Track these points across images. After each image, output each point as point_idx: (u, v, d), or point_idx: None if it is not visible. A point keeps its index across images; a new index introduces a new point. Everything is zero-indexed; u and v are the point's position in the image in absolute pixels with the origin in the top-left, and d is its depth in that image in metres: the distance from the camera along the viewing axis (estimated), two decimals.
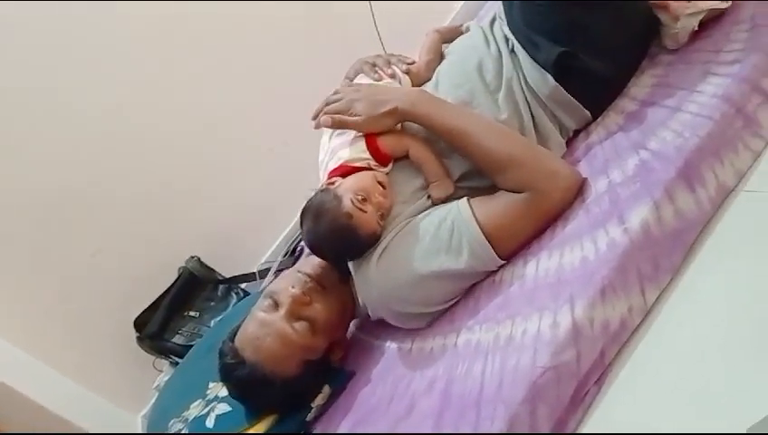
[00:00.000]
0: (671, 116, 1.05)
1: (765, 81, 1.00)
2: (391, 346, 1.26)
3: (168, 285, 2.13)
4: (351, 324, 1.40)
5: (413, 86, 1.34)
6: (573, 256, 0.99)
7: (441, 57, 1.42)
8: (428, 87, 1.31)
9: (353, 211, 1.14)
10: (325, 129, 1.26)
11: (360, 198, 1.15)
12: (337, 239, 1.16)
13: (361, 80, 1.34)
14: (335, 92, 1.26)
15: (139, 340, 2.06)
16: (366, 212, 1.15)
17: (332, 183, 1.19)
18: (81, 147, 2.00)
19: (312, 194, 1.21)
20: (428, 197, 1.19)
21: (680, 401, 0.77)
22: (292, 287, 1.23)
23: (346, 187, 1.17)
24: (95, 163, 2.03)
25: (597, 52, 1.17)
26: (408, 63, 1.37)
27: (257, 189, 2.27)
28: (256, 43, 2.17)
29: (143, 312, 2.09)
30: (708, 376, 0.76)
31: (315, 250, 1.24)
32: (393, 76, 1.34)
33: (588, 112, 1.22)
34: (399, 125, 1.23)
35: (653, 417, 0.78)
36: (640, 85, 1.20)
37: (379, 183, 1.18)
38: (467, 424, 0.89)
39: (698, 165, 0.96)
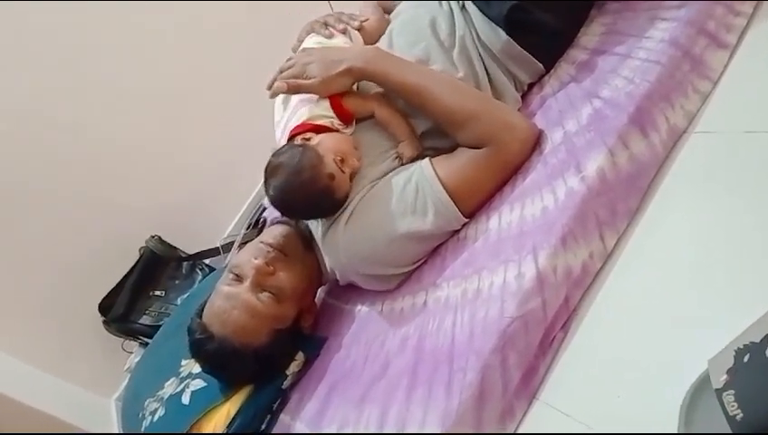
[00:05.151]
0: (621, 63, 1.07)
1: (711, 23, 1.02)
2: (362, 310, 1.27)
3: (130, 266, 2.09)
4: (320, 291, 1.41)
5: (366, 44, 1.33)
6: (534, 207, 1.01)
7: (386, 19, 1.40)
8: (382, 47, 1.29)
9: (336, 172, 1.13)
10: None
11: (339, 159, 1.14)
12: (313, 198, 1.14)
13: (312, 38, 1.31)
14: (288, 59, 1.23)
15: (106, 323, 2.04)
16: (345, 174, 1.15)
17: (308, 139, 1.16)
18: (25, 132, 1.93)
19: (279, 149, 1.18)
20: (395, 158, 1.19)
21: (644, 339, 0.80)
22: (255, 259, 1.21)
23: (326, 146, 1.14)
24: (44, 147, 1.96)
25: (546, 3, 1.18)
26: (362, 21, 1.35)
27: (215, 163, 2.22)
28: (209, 10, 2.11)
29: (107, 295, 2.05)
30: (669, 313, 0.80)
31: (283, 207, 1.20)
32: (345, 32, 1.31)
33: (540, 65, 1.22)
34: (356, 86, 1.22)
35: (619, 358, 0.81)
36: (590, 34, 1.21)
37: (354, 147, 1.18)
38: (442, 377, 0.91)
39: (650, 110, 0.98)
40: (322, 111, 1.18)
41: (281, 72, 1.21)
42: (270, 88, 1.21)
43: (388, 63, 1.18)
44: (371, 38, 1.35)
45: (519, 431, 0.87)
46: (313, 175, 1.12)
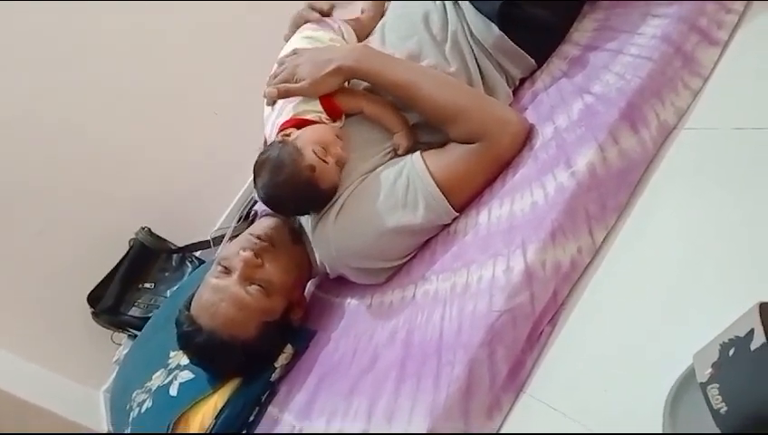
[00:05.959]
0: (613, 59, 1.07)
1: (702, 20, 1.03)
2: (351, 303, 1.27)
3: (120, 258, 2.08)
4: (310, 284, 1.41)
5: (358, 36, 1.33)
6: (524, 202, 1.01)
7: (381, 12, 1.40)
8: (375, 41, 1.29)
9: (317, 163, 1.12)
10: None
11: (320, 149, 1.13)
12: (299, 192, 1.14)
13: (304, 30, 1.31)
14: (279, 63, 1.23)
15: (95, 315, 2.03)
16: (327, 164, 1.14)
17: (288, 135, 1.16)
18: (22, 128, 1.93)
19: (265, 148, 1.18)
20: (387, 152, 1.19)
21: (631, 333, 0.80)
22: (243, 251, 1.21)
23: (305, 139, 1.14)
24: (38, 143, 1.96)
25: None
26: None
27: (205, 156, 2.22)
28: (205, 10, 2.11)
29: (96, 287, 2.05)
30: (657, 308, 0.80)
31: (273, 204, 1.21)
32: (330, 15, 1.32)
33: (532, 60, 1.22)
34: (346, 84, 1.21)
35: (606, 352, 0.82)
36: (582, 30, 1.21)
37: (337, 136, 1.17)
38: (430, 370, 0.91)
39: (640, 106, 0.98)
40: (310, 107, 1.18)
41: (274, 77, 1.21)
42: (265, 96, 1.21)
43: (378, 61, 1.17)
44: (365, 30, 1.34)
45: (506, 425, 0.87)
46: (294, 169, 1.12)
